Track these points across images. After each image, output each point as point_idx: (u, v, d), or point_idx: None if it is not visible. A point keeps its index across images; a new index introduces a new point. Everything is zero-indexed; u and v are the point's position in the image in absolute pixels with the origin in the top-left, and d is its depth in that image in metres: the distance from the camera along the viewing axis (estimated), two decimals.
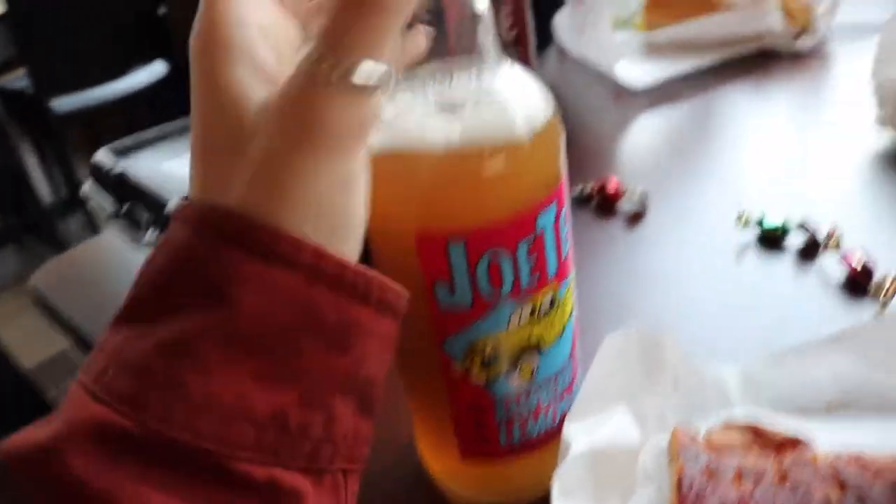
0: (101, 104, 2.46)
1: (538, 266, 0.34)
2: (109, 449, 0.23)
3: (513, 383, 0.36)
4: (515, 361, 0.36)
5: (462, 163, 0.32)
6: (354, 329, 0.26)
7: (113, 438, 0.23)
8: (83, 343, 0.63)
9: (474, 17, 0.32)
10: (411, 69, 0.33)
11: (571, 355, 0.39)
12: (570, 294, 0.38)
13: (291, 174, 0.25)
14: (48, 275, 0.74)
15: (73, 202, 2.63)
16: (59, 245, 2.48)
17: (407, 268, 0.33)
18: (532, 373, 0.37)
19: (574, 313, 0.39)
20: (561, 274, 0.36)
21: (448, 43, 0.32)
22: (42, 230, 2.60)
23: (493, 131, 0.32)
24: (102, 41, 2.42)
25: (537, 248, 0.34)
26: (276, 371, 0.25)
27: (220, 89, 0.27)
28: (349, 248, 0.27)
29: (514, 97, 0.33)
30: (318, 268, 0.25)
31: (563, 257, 0.36)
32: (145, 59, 2.58)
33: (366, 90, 0.26)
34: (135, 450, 0.23)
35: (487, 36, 0.33)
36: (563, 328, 0.37)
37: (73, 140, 2.63)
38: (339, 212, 0.27)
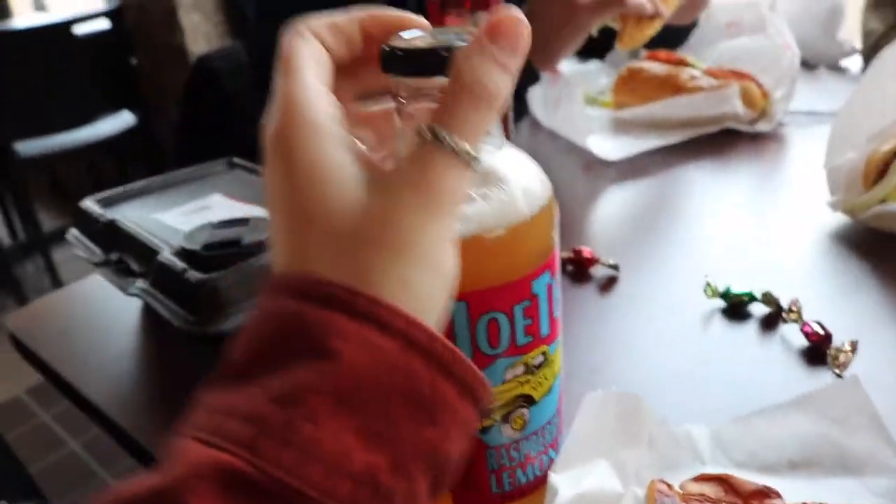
0: (65, 150, 2.45)
1: (532, 327, 0.37)
2: (229, 492, 0.24)
3: (505, 434, 0.39)
4: (508, 414, 0.38)
5: (470, 242, 0.34)
6: (441, 403, 0.27)
7: (232, 482, 0.24)
8: (59, 383, 0.63)
9: None
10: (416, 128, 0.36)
11: (558, 410, 0.42)
12: (559, 353, 0.41)
13: (408, 232, 0.28)
14: (26, 317, 0.74)
15: (31, 246, 2.59)
16: (14, 288, 2.43)
17: None
18: (523, 424, 0.39)
19: (562, 372, 0.42)
20: (552, 334, 0.39)
21: None
22: None
23: (499, 213, 0.35)
24: (73, 88, 2.43)
25: (532, 310, 0.37)
26: (373, 430, 0.26)
27: (317, 167, 0.29)
28: (434, 324, 0.29)
29: (516, 178, 0.36)
30: (412, 336, 0.27)
31: (553, 318, 0.39)
32: (113, 107, 2.59)
33: (475, 164, 0.30)
34: (250, 493, 0.24)
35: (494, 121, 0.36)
36: (553, 384, 0.40)
37: (33, 185, 2.61)
38: (428, 283, 0.29)
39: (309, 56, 0.32)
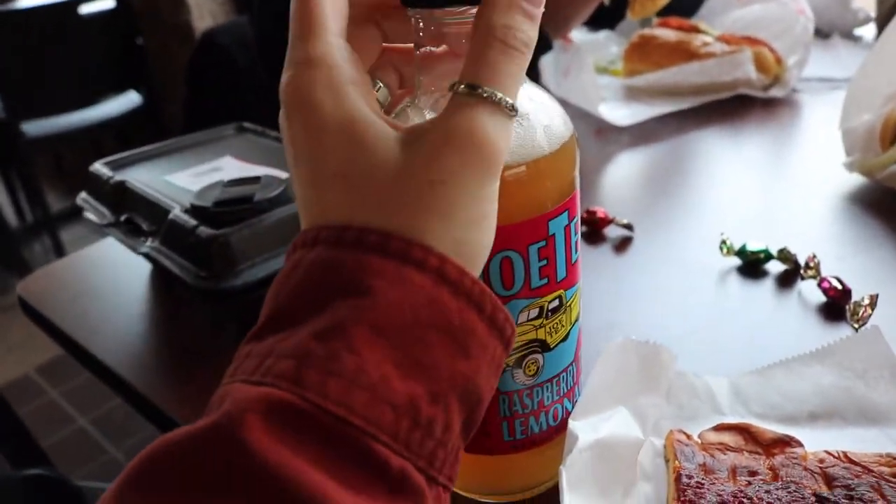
0: (72, 130, 2.45)
1: (548, 268, 0.36)
2: (278, 422, 0.24)
3: (518, 379, 0.38)
4: (521, 359, 0.38)
5: None
6: (472, 337, 0.28)
7: (280, 413, 0.24)
8: (74, 348, 0.63)
9: None
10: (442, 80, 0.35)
11: (575, 359, 0.41)
12: (577, 300, 0.40)
13: (457, 193, 0.28)
14: (38, 281, 0.74)
15: (38, 227, 2.59)
16: (22, 269, 2.43)
17: None
18: (537, 371, 0.38)
19: (580, 320, 0.41)
20: (570, 278, 0.38)
21: None
22: (7, 255, 2.56)
23: (517, 147, 0.34)
24: (79, 68, 2.42)
25: (548, 251, 0.36)
26: (411, 361, 0.26)
27: (347, 122, 0.29)
28: (474, 269, 0.30)
29: (536, 115, 0.35)
30: (443, 271, 0.28)
31: (571, 262, 0.38)
32: (119, 87, 2.58)
33: (514, 115, 0.29)
34: (296, 424, 0.24)
35: None
36: (569, 332, 0.39)
37: (40, 166, 2.61)
38: (474, 241, 0.30)
39: (329, 8, 0.31)
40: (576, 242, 0.38)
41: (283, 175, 0.65)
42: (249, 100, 1.48)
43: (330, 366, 0.25)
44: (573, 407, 0.41)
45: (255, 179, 0.61)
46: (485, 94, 0.28)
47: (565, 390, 0.41)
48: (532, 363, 0.38)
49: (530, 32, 0.30)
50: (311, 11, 0.30)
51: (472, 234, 0.29)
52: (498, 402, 0.39)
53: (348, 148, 0.29)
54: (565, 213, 0.36)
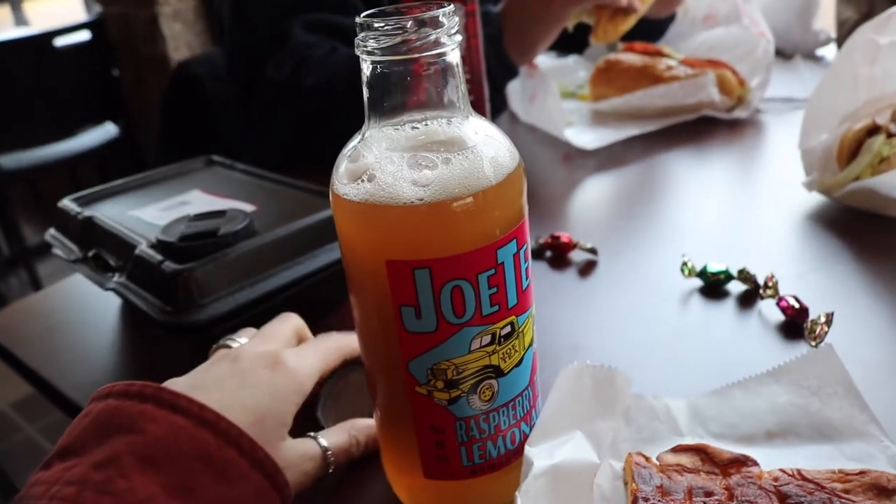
0: (49, 163, 2.44)
1: (498, 296, 0.37)
2: None
3: (473, 405, 0.39)
4: (476, 384, 0.38)
5: (433, 210, 0.35)
6: (231, 468, 0.35)
7: None
8: (43, 385, 0.63)
9: (445, 72, 0.36)
10: (391, 117, 0.36)
11: (531, 383, 0.41)
12: (530, 326, 0.40)
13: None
14: (10, 316, 0.74)
15: (14, 260, 2.57)
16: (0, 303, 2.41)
17: (376, 290, 0.36)
18: (492, 396, 0.39)
19: (534, 345, 0.41)
20: (521, 304, 0.39)
21: (422, 95, 0.36)
22: None
23: (463, 178, 0.35)
24: (56, 100, 2.42)
25: (498, 279, 0.37)
26: (177, 483, 0.33)
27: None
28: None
29: (482, 146, 0.36)
30: (204, 416, 0.36)
31: (522, 289, 0.39)
32: (96, 119, 2.58)
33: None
34: None
35: (457, 89, 0.36)
36: (522, 357, 0.40)
37: (16, 199, 2.59)
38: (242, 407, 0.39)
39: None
40: (526, 269, 0.39)
41: (250, 208, 0.65)
42: (224, 130, 1.48)
43: (105, 488, 0.32)
44: (530, 430, 0.42)
45: (221, 213, 0.62)
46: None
47: (522, 414, 0.41)
48: (487, 388, 0.39)
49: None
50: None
51: (240, 401, 0.39)
52: (455, 428, 0.39)
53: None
54: (514, 242, 0.37)
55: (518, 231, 0.37)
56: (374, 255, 0.36)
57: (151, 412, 0.35)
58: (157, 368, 0.62)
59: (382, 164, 0.36)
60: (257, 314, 0.54)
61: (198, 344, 0.59)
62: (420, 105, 0.36)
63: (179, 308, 0.55)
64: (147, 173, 0.79)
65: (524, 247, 0.38)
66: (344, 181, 0.37)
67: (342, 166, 0.38)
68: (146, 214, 0.69)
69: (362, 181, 0.36)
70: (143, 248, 0.60)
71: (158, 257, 0.58)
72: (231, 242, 0.58)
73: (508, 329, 0.38)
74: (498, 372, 0.39)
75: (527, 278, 0.39)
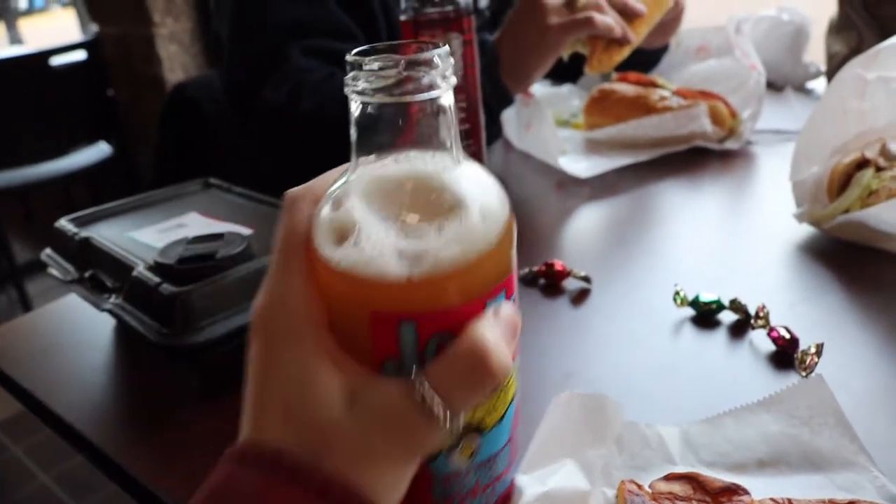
0: (42, 181, 2.44)
1: None
2: None
3: (453, 462, 0.37)
4: (457, 441, 0.36)
5: (423, 284, 0.33)
6: None
7: None
8: (35, 405, 0.63)
9: (438, 114, 0.34)
10: (379, 158, 0.35)
11: (511, 439, 0.40)
12: (514, 380, 0.39)
13: (374, 471, 0.32)
14: (2, 339, 0.74)
15: (4, 278, 2.56)
16: None
17: (359, 344, 0.34)
18: (473, 453, 0.37)
19: (516, 399, 0.39)
20: None
21: (412, 137, 0.34)
22: None
23: (456, 251, 0.33)
24: (50, 119, 2.42)
25: None
26: None
27: (297, 362, 0.33)
28: None
29: (473, 199, 0.34)
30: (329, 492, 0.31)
31: None
32: (90, 138, 2.59)
33: (455, 431, 0.32)
34: None
35: (449, 132, 0.35)
36: (505, 412, 0.38)
37: (7, 216, 2.59)
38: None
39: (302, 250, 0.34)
40: None
41: (247, 231, 0.66)
42: (220, 152, 1.49)
43: None
44: (506, 488, 0.40)
45: (219, 236, 0.62)
46: (434, 411, 0.32)
47: (501, 470, 0.39)
48: (468, 446, 0.37)
49: (503, 361, 0.33)
50: (294, 250, 0.34)
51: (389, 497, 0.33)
52: (432, 486, 0.37)
53: (293, 385, 0.33)
54: (501, 294, 0.35)
55: (507, 282, 0.36)
56: (358, 304, 0.34)
57: (282, 494, 0.31)
58: (153, 389, 0.62)
59: (368, 228, 0.33)
60: None
61: (194, 365, 0.59)
62: (410, 147, 0.35)
63: (177, 330, 0.55)
64: (144, 195, 0.80)
65: (512, 297, 0.37)
66: (325, 236, 0.34)
67: (324, 211, 0.35)
68: (143, 236, 0.69)
69: (346, 246, 0.33)
70: (140, 270, 0.60)
71: (156, 279, 0.58)
72: (229, 265, 0.59)
73: None
74: (480, 429, 0.37)
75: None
